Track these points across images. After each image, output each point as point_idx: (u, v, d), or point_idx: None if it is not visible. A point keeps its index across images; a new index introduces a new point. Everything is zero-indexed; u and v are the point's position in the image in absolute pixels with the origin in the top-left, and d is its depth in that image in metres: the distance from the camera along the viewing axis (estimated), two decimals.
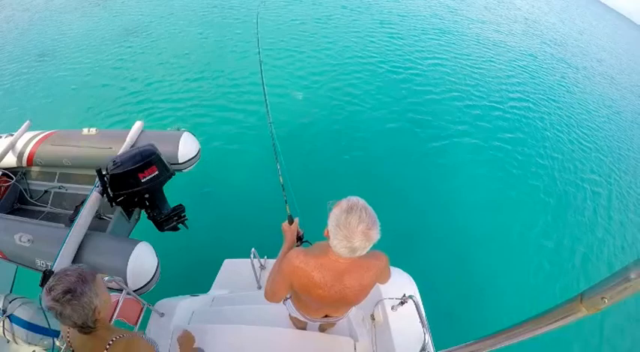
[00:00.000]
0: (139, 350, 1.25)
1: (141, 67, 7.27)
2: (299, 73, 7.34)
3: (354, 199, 1.18)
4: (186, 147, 2.79)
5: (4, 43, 8.42)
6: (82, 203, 2.35)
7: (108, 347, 1.20)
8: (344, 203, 1.18)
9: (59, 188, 3.06)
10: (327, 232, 1.22)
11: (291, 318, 2.29)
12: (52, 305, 1.09)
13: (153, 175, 2.35)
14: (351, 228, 1.12)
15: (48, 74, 7.03)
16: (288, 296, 1.77)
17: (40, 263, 2.18)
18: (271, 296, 1.48)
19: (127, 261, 2.11)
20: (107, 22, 9.39)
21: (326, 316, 1.69)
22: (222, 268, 2.94)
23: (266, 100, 2.05)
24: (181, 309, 2.24)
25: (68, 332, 1.27)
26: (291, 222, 1.59)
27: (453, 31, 11.40)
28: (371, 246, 1.16)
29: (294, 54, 8.10)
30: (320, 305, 1.56)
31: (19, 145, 2.92)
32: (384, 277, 1.46)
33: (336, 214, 1.17)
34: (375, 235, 1.14)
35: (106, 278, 1.61)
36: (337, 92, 6.86)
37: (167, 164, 2.49)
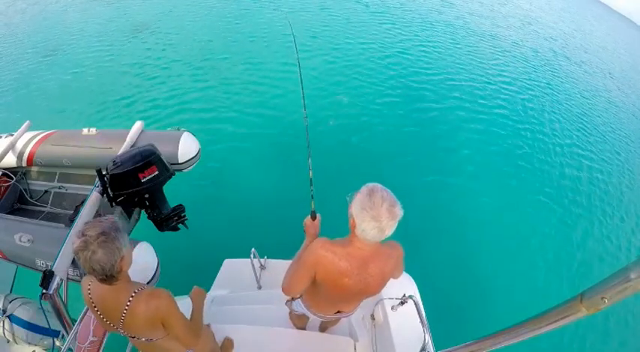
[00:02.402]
0: (162, 299, 1.29)
1: (144, 64, 7.27)
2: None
3: (372, 184, 1.25)
4: (186, 147, 2.79)
5: (12, 39, 8.41)
6: (82, 203, 2.34)
7: (133, 295, 1.26)
8: (363, 189, 1.25)
9: (59, 188, 3.06)
10: (353, 221, 1.25)
11: (291, 318, 2.29)
12: (85, 246, 1.11)
13: (153, 175, 2.35)
14: (376, 208, 1.18)
15: (50, 73, 7.01)
16: (297, 296, 1.77)
17: (40, 263, 2.17)
18: (289, 289, 1.50)
19: None
20: (114, 18, 9.38)
21: (338, 312, 1.69)
22: (222, 268, 2.94)
23: (303, 95, 2.04)
24: (181, 309, 2.24)
25: (89, 286, 1.31)
26: (314, 217, 1.58)
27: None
28: (395, 224, 1.21)
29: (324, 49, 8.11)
30: (339, 298, 1.57)
31: (19, 145, 2.92)
32: (400, 268, 1.50)
33: (359, 200, 1.23)
34: (399, 211, 1.20)
35: None
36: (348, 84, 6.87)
37: (167, 164, 2.49)
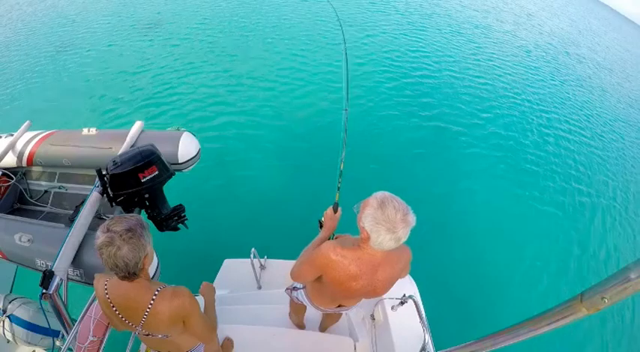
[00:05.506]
0: (185, 297, 1.29)
1: (145, 64, 7.27)
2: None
3: (380, 194, 1.22)
4: (186, 147, 2.79)
5: (22, 33, 8.42)
6: (82, 203, 2.34)
7: (157, 293, 1.24)
8: (373, 201, 1.21)
9: (59, 188, 3.06)
10: (366, 234, 1.22)
11: (290, 317, 2.30)
12: (110, 242, 1.09)
13: (153, 175, 2.35)
14: (391, 220, 1.15)
15: (51, 72, 7.02)
16: (300, 286, 1.78)
17: (40, 263, 2.17)
18: (297, 278, 1.54)
19: None
20: (122, 15, 9.42)
21: (339, 306, 1.70)
22: (222, 268, 2.94)
23: (347, 86, 2.02)
24: None
25: (105, 285, 1.29)
26: (335, 210, 1.57)
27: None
28: (410, 230, 1.19)
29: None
30: (344, 296, 1.57)
31: (19, 145, 2.92)
32: (407, 269, 1.50)
33: (370, 213, 1.19)
34: (412, 219, 1.18)
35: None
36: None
37: (167, 164, 2.49)
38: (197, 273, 3.02)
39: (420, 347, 1.67)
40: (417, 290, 2.16)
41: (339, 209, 1.58)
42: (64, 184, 3.05)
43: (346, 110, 1.89)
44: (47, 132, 2.98)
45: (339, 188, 1.65)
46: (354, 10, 11.19)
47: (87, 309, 1.73)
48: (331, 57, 8.04)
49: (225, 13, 10.09)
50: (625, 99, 10.28)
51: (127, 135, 2.76)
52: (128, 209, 2.58)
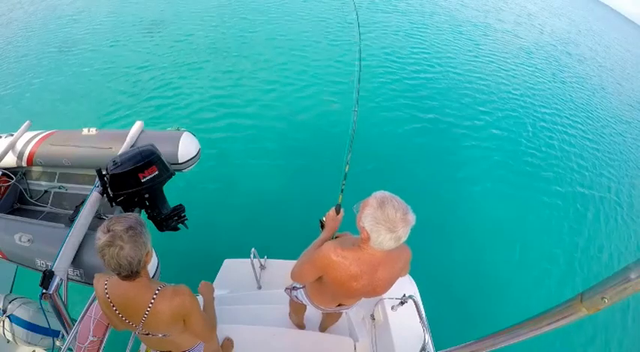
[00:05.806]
0: (186, 296, 1.29)
1: (147, 62, 7.28)
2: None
3: (380, 193, 1.23)
4: (186, 147, 2.79)
5: (24, 31, 8.43)
6: (82, 203, 2.34)
7: (157, 292, 1.25)
8: (372, 201, 1.22)
9: (59, 188, 3.06)
10: (366, 234, 1.23)
11: (290, 317, 2.30)
12: (112, 241, 1.09)
13: (153, 175, 2.35)
14: (391, 220, 1.16)
15: (54, 71, 7.02)
16: (300, 286, 1.79)
17: (40, 263, 2.17)
18: (298, 278, 1.55)
19: None
20: (124, 14, 9.44)
21: (339, 305, 1.70)
22: (222, 268, 2.94)
23: (358, 85, 1.98)
24: None
25: (105, 285, 1.29)
26: (338, 211, 1.57)
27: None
28: (409, 230, 1.19)
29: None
30: (344, 296, 1.58)
31: (19, 145, 2.92)
32: (406, 268, 1.50)
33: (370, 213, 1.20)
34: (412, 218, 1.18)
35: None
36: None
37: (167, 164, 2.49)
38: (197, 273, 3.01)
39: (420, 347, 1.68)
40: (417, 290, 2.17)
41: (342, 210, 1.58)
42: (64, 184, 3.05)
43: (356, 111, 1.86)
44: (47, 132, 2.98)
45: (342, 190, 1.64)
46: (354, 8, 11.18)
47: (87, 309, 1.73)
48: (334, 53, 8.04)
49: (227, 12, 10.09)
50: (624, 98, 10.29)
51: (127, 135, 2.76)
52: (128, 209, 2.58)
